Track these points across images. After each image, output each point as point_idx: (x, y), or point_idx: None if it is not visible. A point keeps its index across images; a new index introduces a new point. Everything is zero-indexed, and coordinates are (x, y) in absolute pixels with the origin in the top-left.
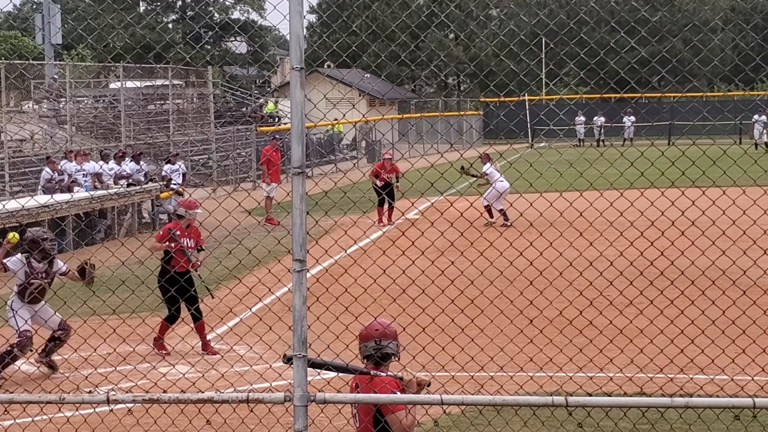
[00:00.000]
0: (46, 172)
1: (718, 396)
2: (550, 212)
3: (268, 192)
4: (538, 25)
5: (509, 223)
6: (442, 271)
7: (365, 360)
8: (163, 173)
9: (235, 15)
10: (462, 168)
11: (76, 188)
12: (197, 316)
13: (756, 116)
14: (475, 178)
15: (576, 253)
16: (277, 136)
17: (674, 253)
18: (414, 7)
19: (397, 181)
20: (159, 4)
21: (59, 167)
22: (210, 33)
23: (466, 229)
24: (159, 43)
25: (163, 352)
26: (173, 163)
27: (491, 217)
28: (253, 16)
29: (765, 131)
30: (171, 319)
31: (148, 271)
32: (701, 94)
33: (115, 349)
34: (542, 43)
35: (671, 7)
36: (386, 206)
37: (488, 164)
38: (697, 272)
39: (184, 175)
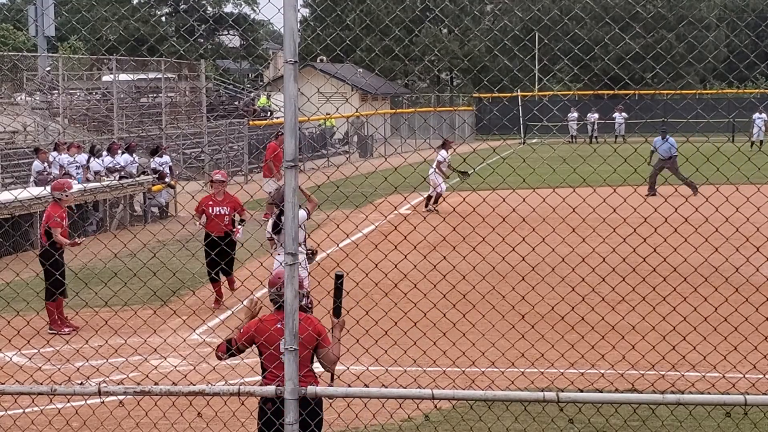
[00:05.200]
0: (37, 164)
1: (709, 393)
2: (543, 208)
3: (269, 189)
4: (531, 20)
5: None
6: (434, 266)
7: (271, 302)
8: (153, 166)
9: (228, 8)
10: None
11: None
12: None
13: (756, 114)
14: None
15: (568, 249)
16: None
17: (667, 249)
18: (408, 2)
19: (241, 223)
20: None
21: (50, 159)
22: (203, 26)
23: (458, 224)
24: (152, 36)
25: (70, 329)
26: (161, 156)
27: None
28: (246, 9)
29: (761, 130)
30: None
31: (140, 263)
32: (695, 91)
33: (106, 341)
34: (536, 38)
35: (666, 2)
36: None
37: (443, 151)
38: (690, 269)
39: (171, 168)
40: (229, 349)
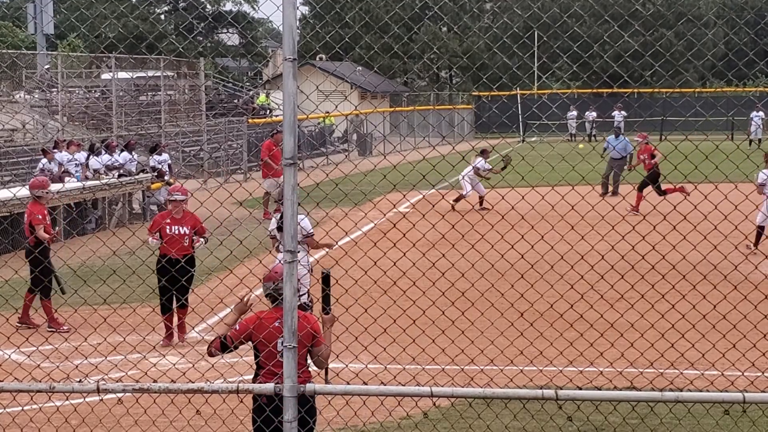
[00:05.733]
0: (43, 162)
1: (708, 391)
2: (542, 206)
3: (267, 187)
4: (530, 18)
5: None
6: (433, 264)
7: (267, 298)
8: (152, 164)
9: (228, 6)
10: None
11: (67, 178)
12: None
13: (754, 112)
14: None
15: (567, 247)
16: (279, 129)
17: (666, 247)
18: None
19: (204, 242)
20: None
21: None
22: (202, 24)
23: (457, 222)
24: (151, 34)
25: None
26: (160, 154)
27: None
28: (245, 7)
29: (760, 128)
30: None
31: (139, 261)
32: (694, 89)
33: (105, 339)
34: (535, 36)
35: (665, 0)
36: (175, 308)
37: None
38: (689, 267)
39: (170, 166)
40: (226, 346)
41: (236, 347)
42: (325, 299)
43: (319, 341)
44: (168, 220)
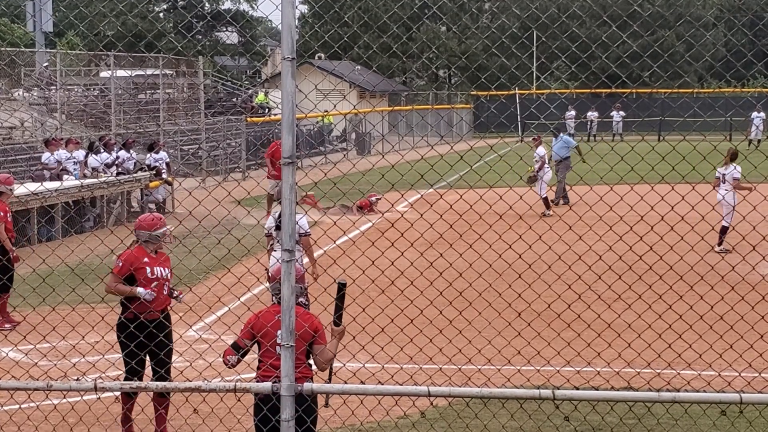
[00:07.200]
0: (46, 156)
1: (705, 391)
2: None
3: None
4: (529, 18)
5: (550, 213)
6: (431, 263)
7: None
8: (148, 162)
9: (227, 5)
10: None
11: (65, 176)
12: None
13: (755, 113)
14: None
15: (565, 247)
16: None
17: (663, 248)
18: None
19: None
20: None
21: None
22: (201, 23)
23: (455, 222)
24: (150, 32)
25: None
26: (158, 152)
27: (548, 208)
28: (244, 6)
29: (759, 129)
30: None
31: None
32: (692, 90)
33: (103, 337)
34: (533, 36)
35: (664, 1)
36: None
37: (541, 148)
38: (686, 267)
39: (168, 164)
40: (240, 349)
41: (248, 347)
42: (337, 311)
43: (318, 341)
44: (146, 259)
